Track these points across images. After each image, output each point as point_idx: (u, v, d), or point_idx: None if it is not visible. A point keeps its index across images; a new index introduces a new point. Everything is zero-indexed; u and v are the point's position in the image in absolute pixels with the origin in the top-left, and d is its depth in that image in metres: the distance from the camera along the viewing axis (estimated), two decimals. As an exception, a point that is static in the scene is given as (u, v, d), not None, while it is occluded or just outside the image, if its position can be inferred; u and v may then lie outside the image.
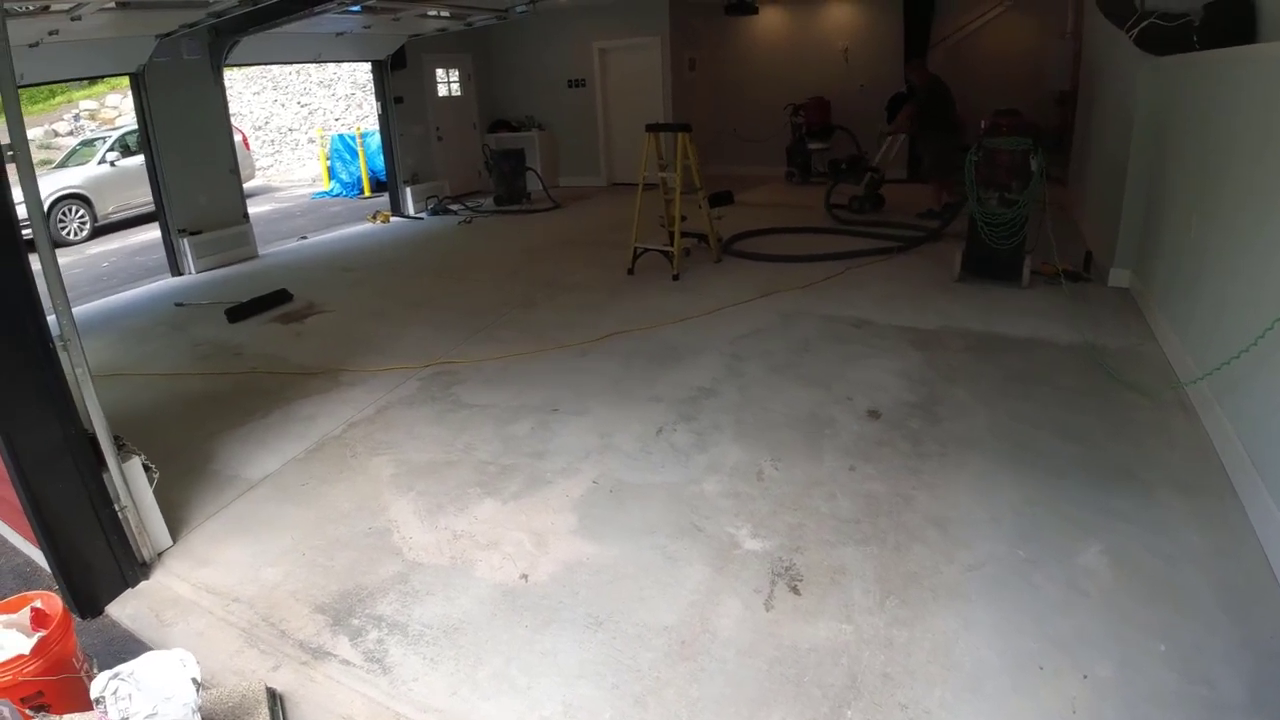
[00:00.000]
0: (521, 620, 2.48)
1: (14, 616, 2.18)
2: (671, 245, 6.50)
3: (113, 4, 5.81)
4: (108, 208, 11.52)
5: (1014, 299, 5.54)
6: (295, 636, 2.48)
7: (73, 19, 5.66)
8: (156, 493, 2.95)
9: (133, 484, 2.90)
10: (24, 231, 2.47)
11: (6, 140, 2.55)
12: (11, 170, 2.51)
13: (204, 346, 5.44)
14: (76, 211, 11.19)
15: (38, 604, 2.19)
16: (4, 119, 2.58)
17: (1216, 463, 3.17)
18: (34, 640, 2.06)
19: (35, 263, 2.47)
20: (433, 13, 8.62)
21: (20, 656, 2.03)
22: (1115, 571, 2.54)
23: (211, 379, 4.79)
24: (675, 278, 6.32)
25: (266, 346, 5.31)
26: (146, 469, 2.96)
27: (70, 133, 17.08)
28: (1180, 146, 4.65)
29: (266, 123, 18.96)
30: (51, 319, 2.57)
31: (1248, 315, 3.17)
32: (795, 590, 2.55)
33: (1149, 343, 4.62)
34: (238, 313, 6.02)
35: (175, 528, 3.14)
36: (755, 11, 11.41)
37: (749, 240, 7.59)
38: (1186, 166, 4.48)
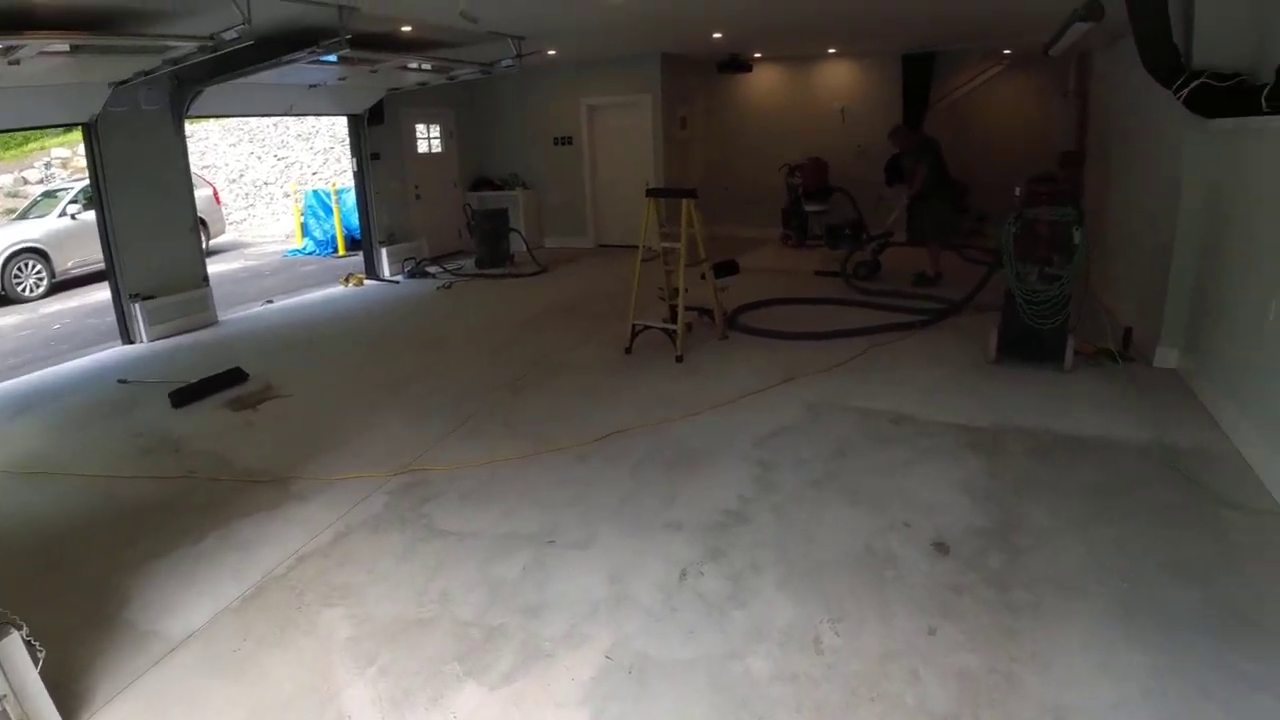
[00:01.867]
0: None
1: None
2: (674, 322, 5.87)
3: (63, 48, 5.20)
4: (67, 263, 10.76)
5: (1061, 385, 4.96)
6: None
7: (10, 63, 5.02)
8: (49, 663, 2.24)
9: (11, 667, 2.19)
10: None
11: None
12: None
13: (144, 438, 4.70)
14: (33, 267, 10.43)
15: None
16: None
17: None
18: None
19: None
20: (413, 65, 8.08)
21: None
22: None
23: (145, 483, 4.05)
24: (679, 358, 5.67)
25: (211, 441, 4.58)
26: (30, 646, 2.25)
27: (40, 180, 16.37)
28: (1250, 220, 4.13)
29: (241, 175, 18.35)
30: None
31: None
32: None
33: (1218, 436, 4.10)
34: (184, 396, 5.29)
35: (73, 709, 2.41)
36: (749, 69, 11.03)
37: (755, 313, 6.99)
38: (1258, 245, 3.96)
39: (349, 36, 5.66)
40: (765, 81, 11.53)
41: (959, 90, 10.71)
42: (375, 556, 3.18)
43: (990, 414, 4.50)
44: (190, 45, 5.57)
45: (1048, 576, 2.89)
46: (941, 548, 3.12)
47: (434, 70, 8.47)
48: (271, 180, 18.23)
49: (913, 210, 8.14)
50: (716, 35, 8.85)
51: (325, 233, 12.86)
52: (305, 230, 13.28)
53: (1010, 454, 3.98)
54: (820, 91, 11.31)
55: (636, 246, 6.11)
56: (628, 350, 5.92)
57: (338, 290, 9.22)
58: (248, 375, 5.70)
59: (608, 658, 2.51)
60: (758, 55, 11.02)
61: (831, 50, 10.76)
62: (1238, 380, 4.10)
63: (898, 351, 5.75)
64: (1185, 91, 4.28)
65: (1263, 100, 3.68)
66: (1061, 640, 2.53)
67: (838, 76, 11.19)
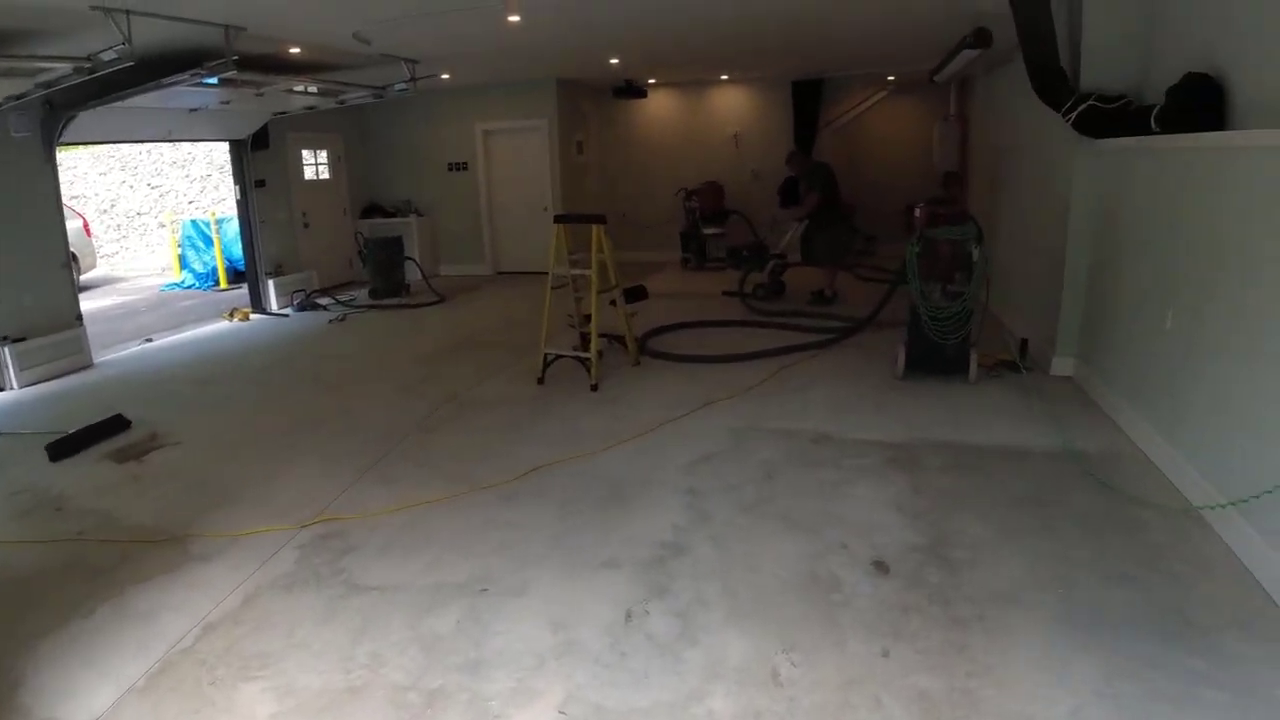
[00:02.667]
0: None
1: None
2: (586, 350, 5.76)
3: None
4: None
5: (968, 397, 5.13)
6: None
7: None
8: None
9: None
10: None
11: None
12: None
13: (23, 496, 4.20)
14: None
15: None
16: None
17: (1260, 590, 2.83)
18: None
19: None
20: (301, 88, 7.72)
21: None
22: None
23: (27, 548, 3.60)
24: (594, 387, 5.56)
25: (96, 498, 4.14)
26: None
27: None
28: (1141, 235, 4.38)
29: (113, 206, 17.08)
30: None
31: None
32: None
33: (1121, 439, 4.33)
34: (62, 448, 4.77)
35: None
36: (644, 95, 11.11)
37: (664, 337, 6.97)
38: (1151, 256, 4.20)
39: (235, 58, 5.34)
40: (661, 107, 11.65)
41: (847, 115, 11.13)
42: (292, 620, 2.91)
43: (906, 429, 4.59)
44: (65, 67, 5.16)
45: (988, 589, 2.93)
46: (882, 567, 3.12)
47: (323, 93, 8.14)
48: (145, 210, 17.11)
49: (807, 233, 8.37)
50: (613, 61, 8.87)
51: (206, 265, 12.10)
52: (183, 263, 12.46)
53: (931, 469, 4.05)
54: (714, 117, 11.52)
55: (536, 273, 6.01)
56: (540, 381, 5.76)
57: (222, 326, 8.65)
58: (130, 422, 5.22)
59: (561, 713, 2.35)
60: (652, 81, 11.13)
61: (724, 76, 11.00)
62: (1137, 385, 4.32)
63: (808, 371, 5.83)
64: (1074, 114, 4.52)
65: (1152, 120, 3.91)
66: (1012, 652, 2.55)
67: (731, 102, 11.43)
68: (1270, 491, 2.75)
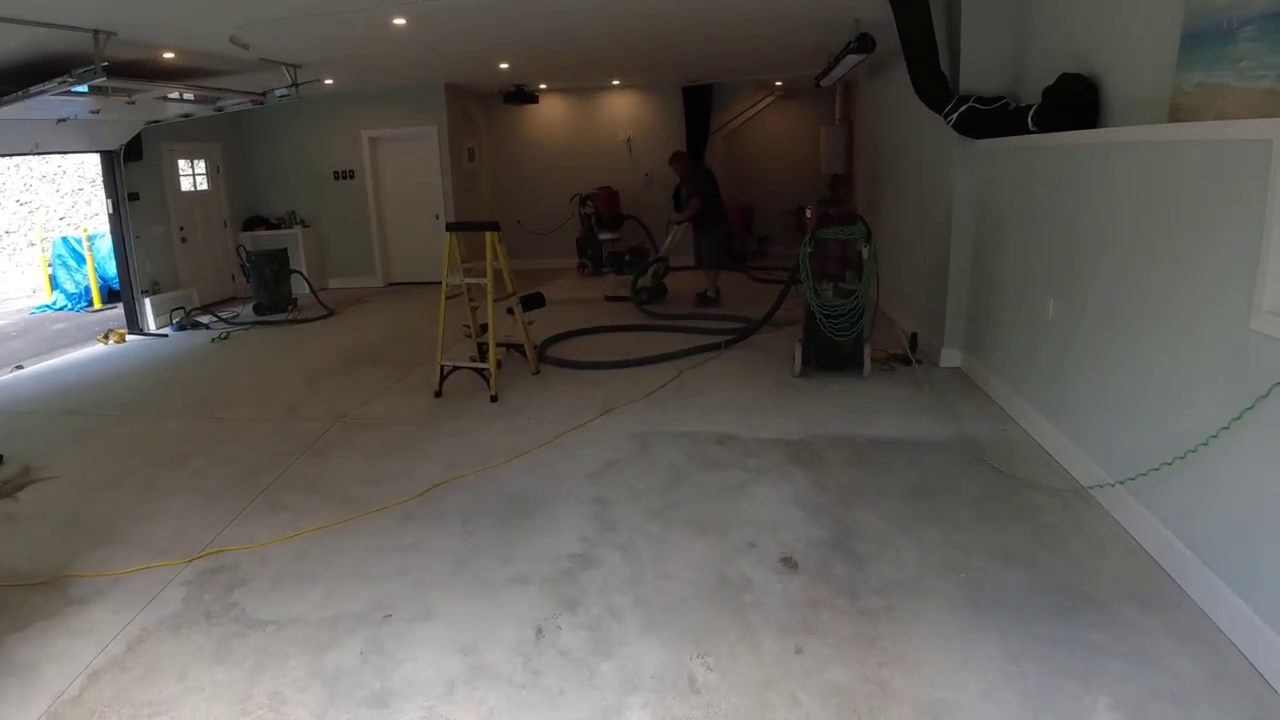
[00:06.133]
0: None
1: None
2: (484, 360, 5.62)
3: None
4: None
5: (863, 392, 5.26)
6: None
7: None
8: None
9: None
10: None
11: None
12: None
13: None
14: None
15: None
16: None
17: (1152, 563, 3.00)
18: None
19: None
20: (175, 95, 7.25)
21: None
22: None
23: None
24: (494, 398, 5.42)
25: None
26: None
27: None
28: (1021, 229, 4.59)
29: (-23, 225, 15.76)
30: None
31: (1159, 410, 3.03)
32: None
33: (1010, 425, 4.53)
34: (-82, 490, 4.32)
35: None
36: (536, 101, 10.99)
37: (563, 344, 6.90)
38: (1031, 250, 4.40)
39: (105, 64, 4.96)
40: (552, 112, 11.57)
41: (737, 119, 11.32)
42: (183, 662, 2.68)
43: (806, 426, 4.66)
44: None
45: (892, 579, 2.98)
46: (790, 564, 3.13)
47: (199, 100, 7.67)
48: (14, 229, 15.85)
49: (694, 237, 8.53)
50: (503, 66, 8.73)
51: (78, 284, 11.27)
52: (55, 283, 11.57)
53: (832, 463, 4.12)
54: (607, 122, 11.52)
55: (430, 283, 5.84)
56: (438, 394, 5.59)
57: (97, 349, 8.03)
58: (1, 457, 4.77)
59: (472, 741, 2.25)
60: (544, 86, 11.03)
61: (616, 82, 11.00)
62: (1022, 373, 4.52)
63: (708, 373, 5.86)
64: (954, 116, 4.70)
65: (1029, 120, 4.09)
66: (920, 639, 2.60)
67: (623, 107, 11.45)
68: (1157, 469, 2.90)
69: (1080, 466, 3.68)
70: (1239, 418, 2.44)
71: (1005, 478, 3.80)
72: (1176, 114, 3.12)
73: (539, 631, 2.75)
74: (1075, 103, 3.82)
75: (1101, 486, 3.41)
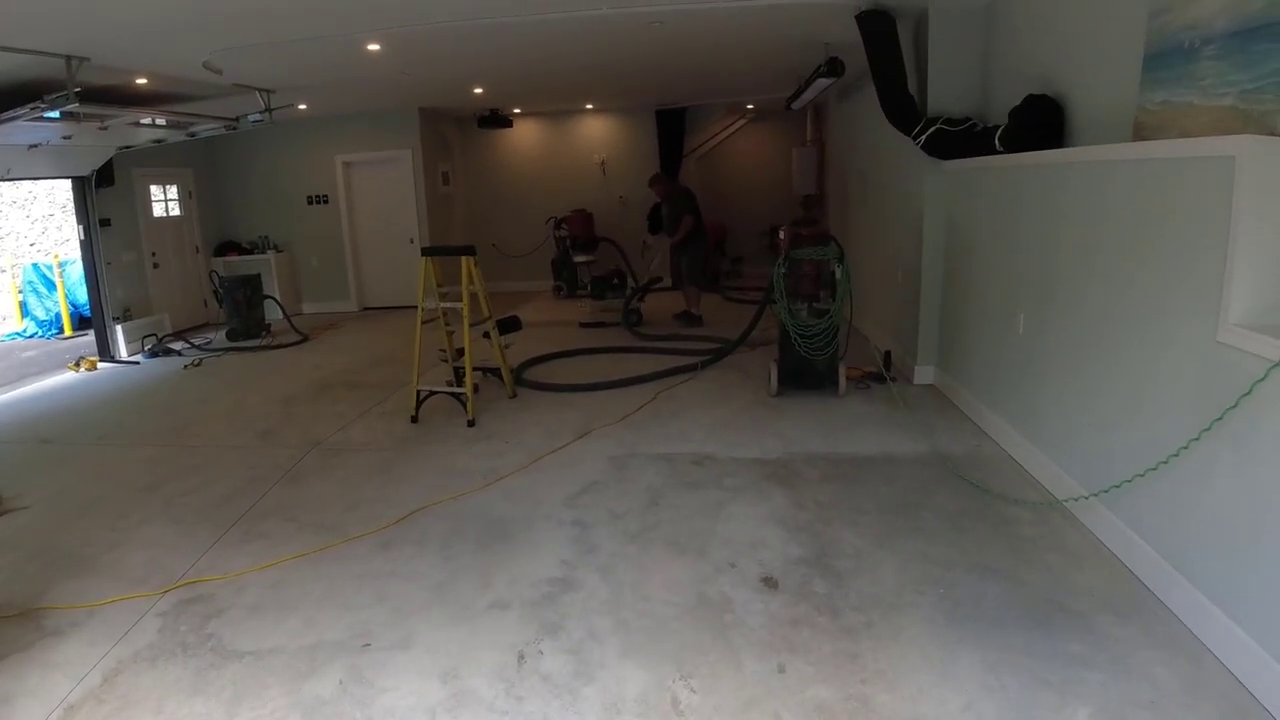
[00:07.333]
0: None
1: None
2: (460, 385, 5.60)
3: None
4: None
5: (839, 410, 5.31)
6: None
7: None
8: None
9: None
10: None
11: None
12: None
13: None
14: None
15: None
16: None
17: (1127, 574, 3.04)
18: None
19: None
20: (147, 121, 7.21)
21: None
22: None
23: None
24: (471, 423, 5.40)
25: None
26: None
27: None
28: (990, 247, 4.67)
29: (-53, 252, 15.45)
30: None
31: (1130, 423, 3.09)
32: None
33: (984, 440, 4.60)
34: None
35: None
36: (510, 124, 11.05)
37: (540, 367, 6.90)
38: (1001, 267, 4.48)
39: (78, 90, 4.93)
40: (527, 136, 11.63)
41: (710, 142, 11.45)
42: (161, 694, 2.63)
43: (783, 445, 4.69)
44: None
45: (872, 595, 3.00)
46: (770, 583, 3.14)
47: (171, 126, 7.64)
48: (-17, 255, 15.58)
49: (674, 257, 8.57)
50: (477, 90, 8.78)
51: (49, 311, 11.12)
52: (25, 309, 11.42)
53: (809, 481, 4.15)
54: (581, 145, 11.60)
55: (405, 307, 5.82)
56: (414, 419, 5.56)
57: (68, 377, 7.90)
58: None
59: (454, 769, 2.23)
60: (518, 110, 11.10)
61: (589, 105, 11.09)
62: (995, 388, 4.59)
63: (684, 394, 5.89)
64: (923, 137, 4.79)
65: (996, 140, 4.18)
66: (900, 655, 2.62)
67: (597, 130, 11.54)
68: (1130, 481, 2.95)
69: (1054, 480, 3.74)
70: (1208, 429, 2.49)
71: (981, 492, 3.85)
72: (1140, 133, 3.21)
73: (520, 656, 2.74)
74: (1041, 123, 3.92)
75: (1076, 499, 3.46)
